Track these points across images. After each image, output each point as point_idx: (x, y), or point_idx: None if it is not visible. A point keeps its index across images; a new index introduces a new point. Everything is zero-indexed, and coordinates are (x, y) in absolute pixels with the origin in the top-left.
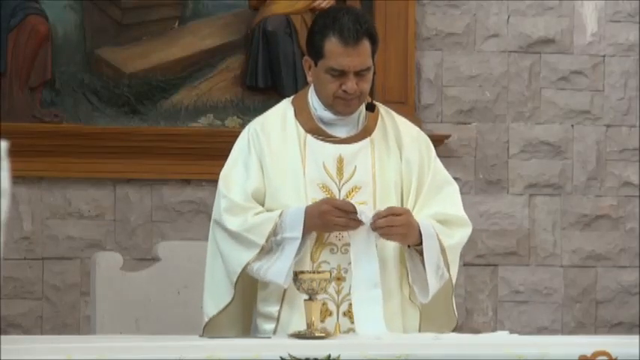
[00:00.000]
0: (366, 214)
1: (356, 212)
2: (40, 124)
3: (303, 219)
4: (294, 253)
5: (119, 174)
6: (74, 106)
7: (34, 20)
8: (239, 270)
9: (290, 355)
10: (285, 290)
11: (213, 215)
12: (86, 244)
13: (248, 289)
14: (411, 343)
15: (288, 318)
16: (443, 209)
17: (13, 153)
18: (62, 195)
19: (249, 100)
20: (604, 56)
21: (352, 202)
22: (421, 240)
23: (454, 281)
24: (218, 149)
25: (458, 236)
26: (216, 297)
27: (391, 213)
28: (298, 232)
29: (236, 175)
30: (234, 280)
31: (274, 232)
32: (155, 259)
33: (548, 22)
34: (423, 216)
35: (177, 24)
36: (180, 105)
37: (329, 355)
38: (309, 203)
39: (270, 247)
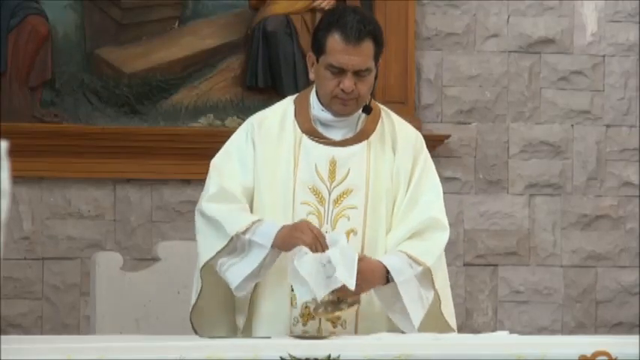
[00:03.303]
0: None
1: (324, 245)
2: (40, 124)
3: (276, 231)
4: (258, 262)
5: (119, 174)
6: (74, 106)
7: (34, 20)
8: (207, 258)
9: (290, 355)
10: (250, 301)
11: (198, 204)
12: (86, 244)
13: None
14: (411, 343)
15: (254, 330)
16: (416, 219)
17: (13, 153)
18: (62, 195)
19: (249, 100)
20: (604, 56)
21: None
22: (387, 281)
23: (442, 291)
24: (218, 149)
25: (436, 245)
26: (195, 284)
27: None
28: (268, 242)
29: (230, 168)
30: (201, 265)
31: (245, 232)
32: (155, 259)
33: (548, 22)
34: (393, 245)
35: (177, 24)
36: (180, 105)
37: (329, 355)
38: (298, 206)
39: (235, 247)
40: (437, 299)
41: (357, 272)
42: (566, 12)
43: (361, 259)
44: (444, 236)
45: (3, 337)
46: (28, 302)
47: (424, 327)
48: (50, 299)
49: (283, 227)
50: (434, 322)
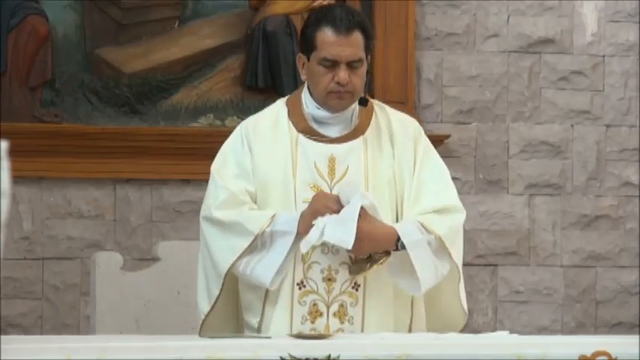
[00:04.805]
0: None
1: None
2: (40, 124)
3: (298, 217)
4: (286, 249)
5: (119, 174)
6: (74, 106)
7: (34, 20)
8: (232, 260)
9: (290, 355)
10: (264, 301)
11: (204, 211)
12: (86, 244)
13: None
14: (411, 343)
15: (268, 329)
16: (432, 202)
17: (13, 153)
18: (62, 195)
19: (249, 100)
20: (604, 56)
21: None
22: (397, 247)
23: (460, 265)
24: (218, 149)
25: (449, 222)
26: (207, 292)
27: None
28: (292, 227)
29: (232, 172)
30: (225, 270)
31: (267, 227)
32: (155, 259)
33: (548, 22)
34: (410, 217)
35: (177, 24)
36: (180, 105)
37: (329, 355)
38: (299, 204)
39: (257, 245)
40: (457, 273)
41: (364, 232)
42: (566, 12)
43: (373, 221)
44: (458, 215)
45: (3, 337)
46: (28, 302)
47: (442, 302)
48: (50, 299)
49: (302, 213)
50: (452, 300)
